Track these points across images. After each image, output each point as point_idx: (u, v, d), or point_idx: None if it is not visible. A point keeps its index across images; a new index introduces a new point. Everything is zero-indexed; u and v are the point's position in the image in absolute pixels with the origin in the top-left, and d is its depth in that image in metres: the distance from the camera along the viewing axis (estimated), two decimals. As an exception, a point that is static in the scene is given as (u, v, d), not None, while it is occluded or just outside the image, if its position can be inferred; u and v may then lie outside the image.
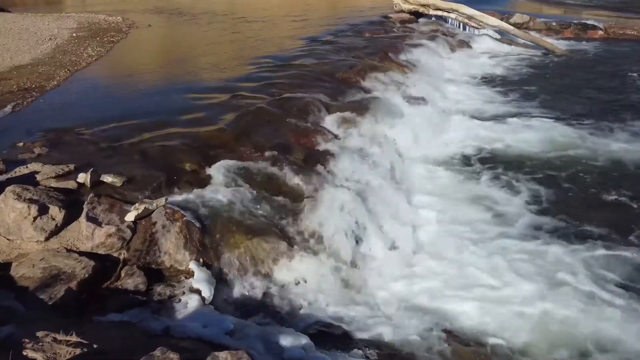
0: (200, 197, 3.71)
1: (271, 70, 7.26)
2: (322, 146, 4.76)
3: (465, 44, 11.00)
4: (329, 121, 5.45)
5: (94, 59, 8.64)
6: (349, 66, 7.42)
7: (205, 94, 6.13)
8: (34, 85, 6.66)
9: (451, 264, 3.50)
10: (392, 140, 5.41)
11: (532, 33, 12.08)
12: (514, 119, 6.67)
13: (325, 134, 5.03)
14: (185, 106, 5.70)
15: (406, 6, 12.86)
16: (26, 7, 19.64)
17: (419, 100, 6.69)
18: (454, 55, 10.13)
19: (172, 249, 3.18)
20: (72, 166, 3.97)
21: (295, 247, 3.46)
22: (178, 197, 3.67)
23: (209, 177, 4.05)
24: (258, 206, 3.71)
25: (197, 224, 3.36)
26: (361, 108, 5.89)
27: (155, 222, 3.26)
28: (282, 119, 5.27)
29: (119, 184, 3.74)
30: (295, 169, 4.15)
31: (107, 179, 3.75)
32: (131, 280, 2.94)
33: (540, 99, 7.70)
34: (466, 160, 5.44)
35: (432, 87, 7.56)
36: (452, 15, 12.28)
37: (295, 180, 4.05)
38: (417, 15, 12.90)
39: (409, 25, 11.91)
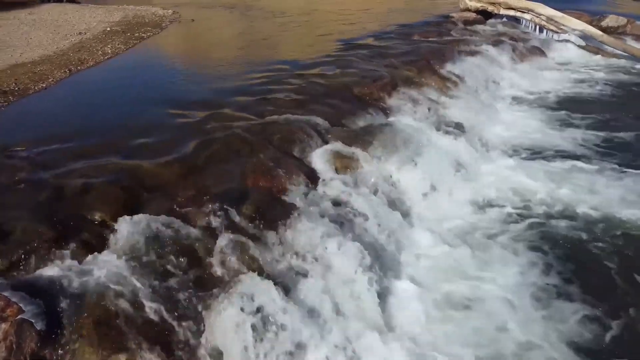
0: (78, 272, 2.68)
1: (279, 80, 6.12)
2: (288, 195, 3.54)
3: (538, 52, 9.14)
4: (317, 156, 4.21)
5: (107, 57, 8.01)
6: (373, 78, 6.08)
7: (186, 109, 5.13)
8: (17, 88, 6.04)
9: None
10: (395, 188, 4.06)
11: (628, 40, 9.87)
12: (586, 164, 4.82)
13: (300, 175, 3.81)
14: (153, 124, 4.74)
15: (473, 4, 11.12)
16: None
17: (454, 129, 5.23)
18: (520, 65, 8.36)
19: (-17, 368, 2.16)
20: (-50, 209, 3.12)
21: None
22: (46, 271, 2.67)
23: (114, 236, 3.02)
24: (154, 295, 2.61)
25: (40, 325, 2.32)
26: (368, 138, 4.58)
27: (-28, 322, 2.26)
28: (254, 151, 4.12)
29: (-16, 243, 2.81)
30: (229, 237, 2.99)
31: (-29, 234, 2.84)
32: None
33: (629, 133, 5.77)
34: (500, 227, 3.83)
35: (479, 109, 6.02)
36: (527, 16, 10.36)
37: (222, 254, 2.89)
38: (485, 15, 11.11)
39: (473, 27, 10.19)
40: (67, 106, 5.54)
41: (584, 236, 3.73)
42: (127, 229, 3.04)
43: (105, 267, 2.72)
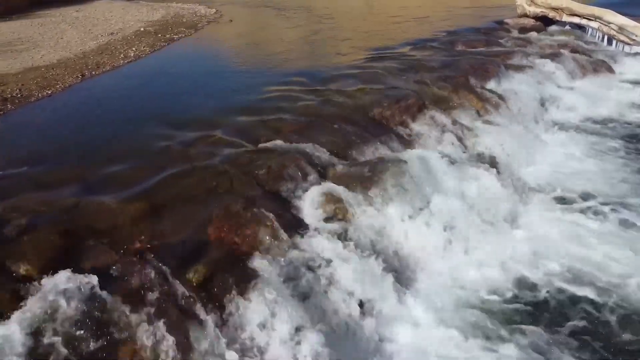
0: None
1: (290, 97, 5.49)
2: (253, 255, 2.90)
3: (604, 67, 7.91)
4: (306, 198, 3.54)
5: (127, 61, 7.69)
6: (397, 98, 5.29)
7: (176, 129, 4.63)
8: (20, 95, 5.79)
9: None
10: (397, 245, 3.31)
11: None
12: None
13: (278, 224, 3.14)
14: (134, 147, 4.31)
15: (531, 9, 9.94)
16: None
17: (485, 165, 4.36)
18: (581, 83, 7.23)
19: None
20: None
21: None
22: None
23: (29, 299, 2.51)
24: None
25: None
26: (374, 176, 3.83)
27: None
28: (232, 188, 3.53)
29: None
30: (161, 319, 2.39)
31: None
32: None
33: None
34: (533, 312, 2.96)
35: (520, 140, 5.08)
36: (594, 24, 9.09)
37: (145, 341, 2.30)
38: (545, 21, 9.91)
39: (528, 35, 9.06)
40: (59, 119, 5.21)
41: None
42: (46, 290, 2.53)
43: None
